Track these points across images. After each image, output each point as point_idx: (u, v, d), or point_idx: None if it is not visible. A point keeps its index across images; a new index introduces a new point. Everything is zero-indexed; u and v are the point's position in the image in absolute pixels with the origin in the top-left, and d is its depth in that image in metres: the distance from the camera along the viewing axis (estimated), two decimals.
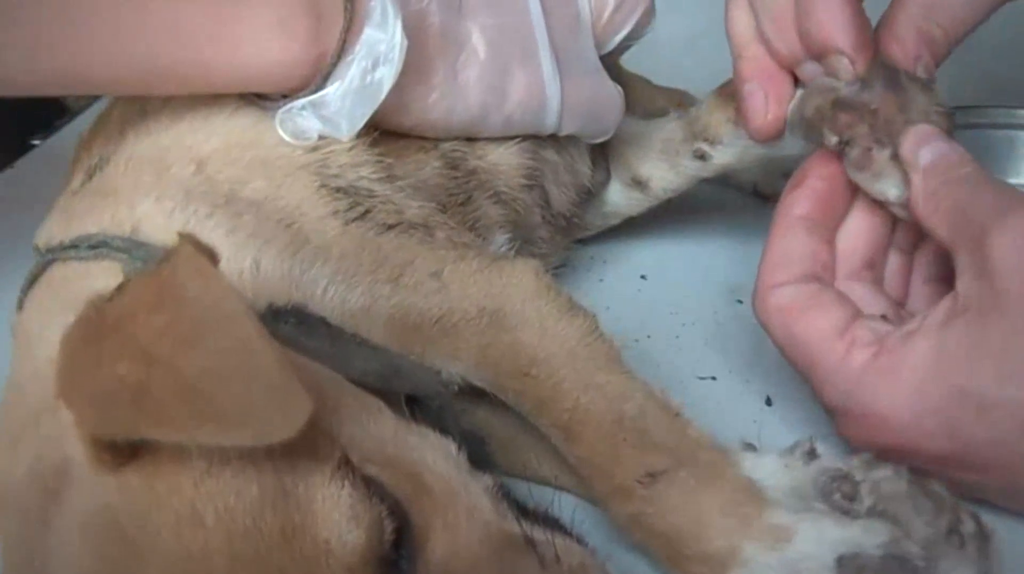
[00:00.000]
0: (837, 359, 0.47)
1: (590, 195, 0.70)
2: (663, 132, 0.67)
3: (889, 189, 0.51)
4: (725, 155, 0.64)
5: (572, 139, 0.65)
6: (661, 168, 0.67)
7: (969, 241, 0.44)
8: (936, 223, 0.47)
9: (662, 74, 0.83)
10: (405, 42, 0.52)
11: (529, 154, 0.63)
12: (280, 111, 0.53)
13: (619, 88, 0.64)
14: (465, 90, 0.57)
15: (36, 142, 0.99)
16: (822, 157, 0.54)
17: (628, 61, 0.73)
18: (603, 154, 0.70)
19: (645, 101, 0.77)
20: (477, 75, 0.57)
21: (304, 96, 0.53)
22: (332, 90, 0.52)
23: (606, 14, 0.62)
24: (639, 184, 0.69)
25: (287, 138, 0.53)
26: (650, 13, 0.64)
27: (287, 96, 0.53)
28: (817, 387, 0.48)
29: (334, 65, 0.52)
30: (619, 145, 0.69)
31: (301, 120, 0.53)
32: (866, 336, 0.47)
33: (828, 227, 0.53)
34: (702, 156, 0.65)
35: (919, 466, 0.45)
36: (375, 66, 0.52)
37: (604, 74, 0.63)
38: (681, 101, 0.79)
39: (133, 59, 0.51)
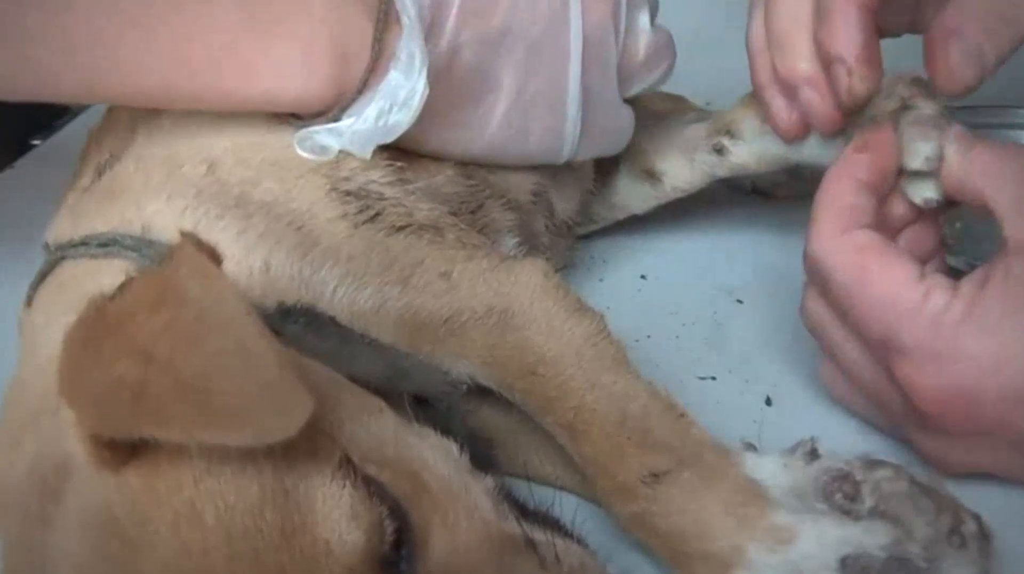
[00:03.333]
0: (918, 299, 0.47)
1: (593, 195, 0.70)
2: (687, 130, 0.67)
3: (925, 152, 0.52)
4: (742, 152, 0.63)
5: None
6: (677, 162, 0.67)
7: None
8: (980, 185, 0.48)
9: None
10: (426, 91, 0.51)
11: (539, 171, 0.64)
12: (297, 134, 0.53)
13: (630, 110, 0.64)
14: (486, 129, 0.58)
15: (36, 142, 0.99)
16: (884, 129, 0.54)
17: None
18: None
19: (643, 103, 0.77)
20: (502, 115, 0.58)
21: (320, 123, 0.53)
22: (347, 123, 0.52)
23: (635, 62, 0.62)
24: (651, 177, 0.68)
25: (306, 155, 0.53)
26: (671, 68, 0.64)
27: (299, 117, 0.54)
28: (893, 327, 0.47)
29: (353, 101, 0.52)
30: (638, 140, 0.68)
31: (319, 138, 0.53)
32: (943, 281, 0.47)
33: (881, 199, 0.53)
34: (720, 150, 0.64)
35: (988, 408, 0.45)
36: (391, 109, 0.52)
37: (621, 104, 0.63)
38: (680, 105, 0.78)
39: (153, 81, 0.51)
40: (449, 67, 0.55)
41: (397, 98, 0.52)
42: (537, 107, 0.59)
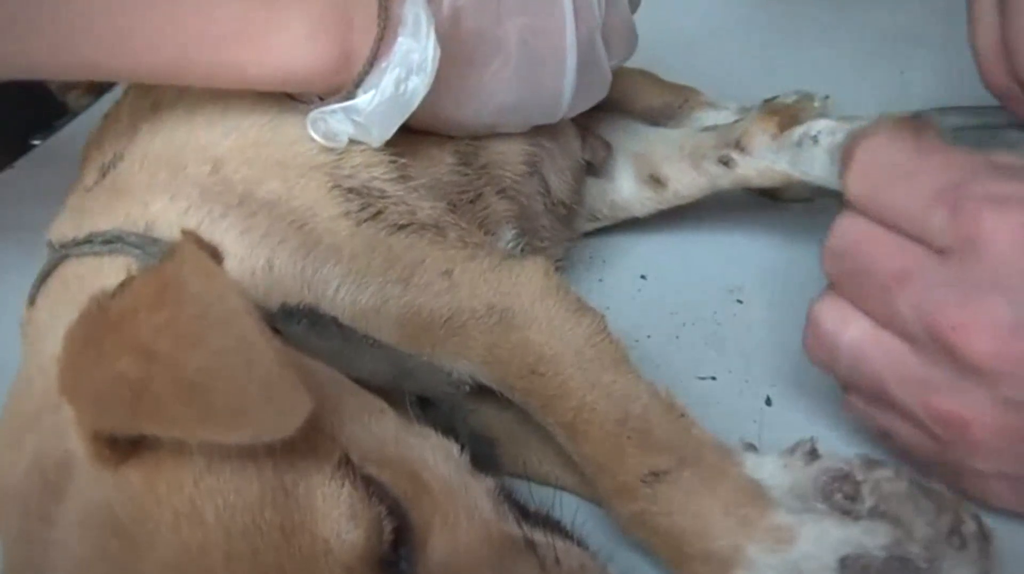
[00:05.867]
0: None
1: (586, 175, 0.70)
2: (695, 139, 0.67)
3: None
4: (749, 167, 0.63)
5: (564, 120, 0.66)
6: (683, 169, 0.67)
7: None
8: None
9: (662, 75, 0.82)
10: (438, 51, 0.51)
11: (529, 140, 0.64)
12: (312, 113, 0.53)
13: (608, 66, 0.65)
14: (494, 94, 0.58)
15: (36, 142, 0.99)
16: None
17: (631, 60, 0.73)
18: (588, 127, 0.70)
19: (646, 97, 0.77)
20: (507, 80, 0.58)
21: (337, 101, 0.53)
22: (364, 98, 0.52)
23: (615, 29, 0.62)
24: (655, 182, 0.69)
25: (318, 139, 0.53)
26: (632, 51, 0.65)
27: (321, 98, 0.53)
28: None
29: (367, 73, 0.52)
30: (647, 145, 0.69)
31: (333, 122, 0.53)
32: None
33: None
34: (727, 162, 0.64)
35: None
36: (408, 75, 0.52)
37: (605, 58, 0.63)
38: (689, 98, 0.78)
39: (162, 56, 0.50)
40: (453, 33, 0.54)
41: (411, 63, 0.51)
42: (540, 65, 0.59)
